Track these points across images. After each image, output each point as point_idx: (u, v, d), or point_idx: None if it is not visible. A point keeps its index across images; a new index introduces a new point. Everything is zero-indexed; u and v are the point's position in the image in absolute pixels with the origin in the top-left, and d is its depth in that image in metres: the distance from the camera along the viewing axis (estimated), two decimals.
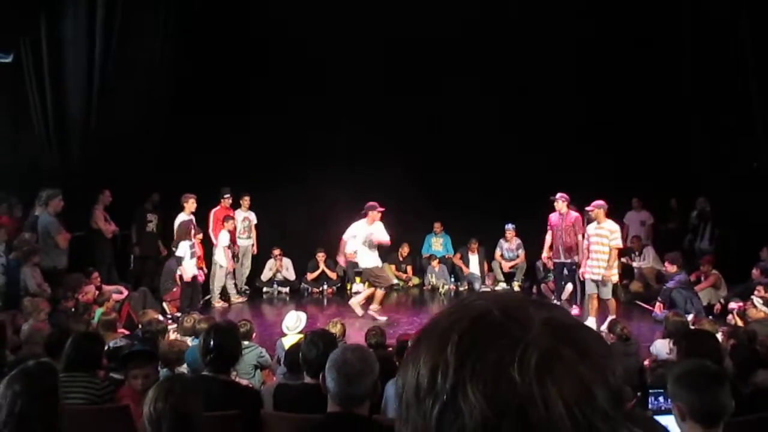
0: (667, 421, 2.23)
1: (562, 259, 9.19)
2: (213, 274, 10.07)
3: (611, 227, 8.27)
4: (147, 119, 10.05)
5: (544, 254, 9.55)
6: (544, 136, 11.26)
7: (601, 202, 8.31)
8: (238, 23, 11.01)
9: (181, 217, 9.51)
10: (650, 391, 2.56)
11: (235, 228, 10.45)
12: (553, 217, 9.13)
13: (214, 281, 10.08)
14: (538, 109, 11.21)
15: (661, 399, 2.48)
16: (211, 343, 3.54)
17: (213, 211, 10.24)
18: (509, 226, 11.52)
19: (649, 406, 2.53)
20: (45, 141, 9.21)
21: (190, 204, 9.60)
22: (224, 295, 10.28)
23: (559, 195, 9.06)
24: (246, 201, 10.71)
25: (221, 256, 10.10)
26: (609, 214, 8.41)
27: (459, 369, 0.62)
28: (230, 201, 10.42)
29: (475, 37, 11.18)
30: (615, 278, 8.45)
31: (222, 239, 10.12)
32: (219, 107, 10.79)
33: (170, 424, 2.42)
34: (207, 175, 10.35)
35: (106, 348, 4.63)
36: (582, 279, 8.71)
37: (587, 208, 8.50)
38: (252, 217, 10.75)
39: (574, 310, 9.08)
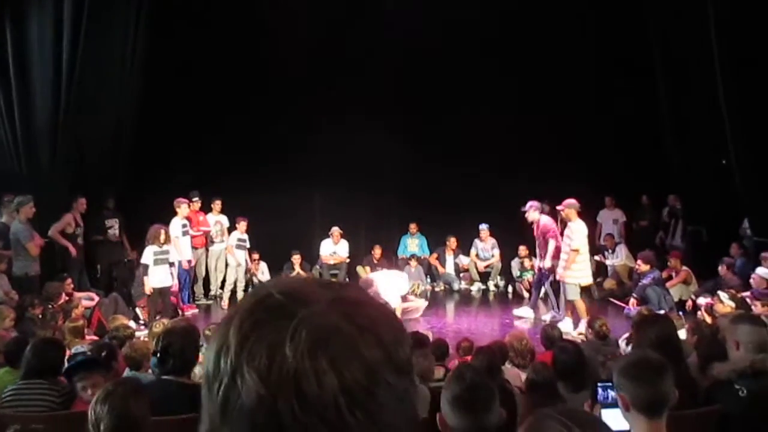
0: (616, 413, 2.24)
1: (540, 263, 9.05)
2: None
3: (575, 227, 8.16)
4: (117, 122, 9.94)
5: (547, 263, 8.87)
6: (517, 135, 11.26)
7: (571, 200, 8.27)
8: (213, 18, 10.91)
9: (175, 222, 9.53)
10: (599, 384, 2.57)
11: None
12: (545, 220, 8.82)
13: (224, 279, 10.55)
14: (511, 107, 11.22)
15: (610, 392, 2.49)
16: (164, 345, 3.49)
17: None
18: (483, 226, 11.54)
19: (598, 399, 2.55)
20: (12, 147, 9.07)
21: (183, 209, 9.65)
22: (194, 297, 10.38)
23: (528, 205, 8.79)
24: (217, 205, 10.57)
25: (232, 256, 10.51)
26: (582, 213, 8.38)
27: (239, 351, 0.63)
28: (199, 204, 10.30)
29: (457, 35, 11.19)
30: (582, 281, 8.27)
31: (232, 239, 10.49)
32: (191, 108, 10.70)
33: (109, 427, 2.40)
34: (178, 178, 10.28)
35: (69, 354, 4.57)
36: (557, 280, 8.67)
37: (558, 207, 8.52)
38: (224, 221, 10.61)
39: (550, 313, 9.04)
